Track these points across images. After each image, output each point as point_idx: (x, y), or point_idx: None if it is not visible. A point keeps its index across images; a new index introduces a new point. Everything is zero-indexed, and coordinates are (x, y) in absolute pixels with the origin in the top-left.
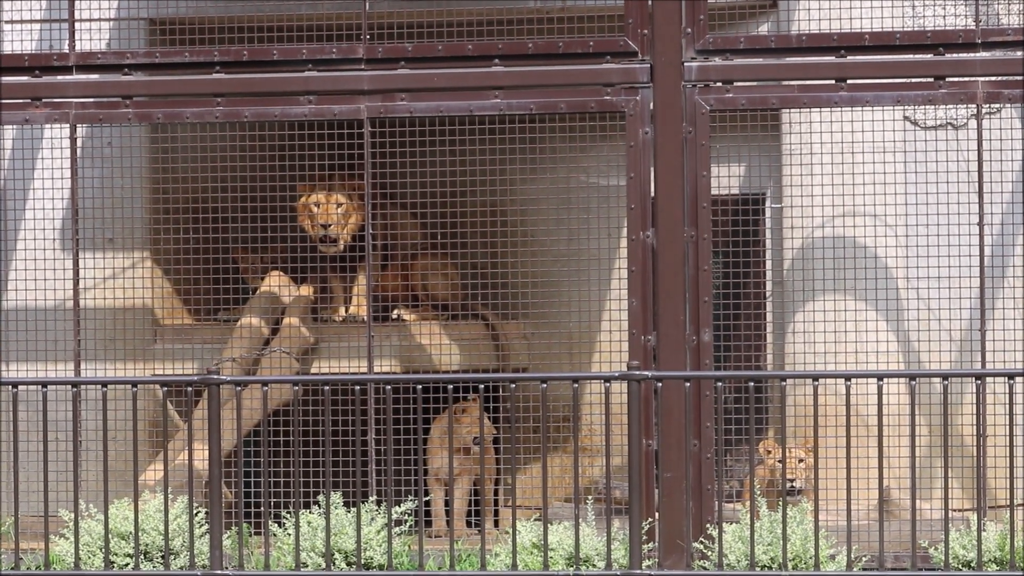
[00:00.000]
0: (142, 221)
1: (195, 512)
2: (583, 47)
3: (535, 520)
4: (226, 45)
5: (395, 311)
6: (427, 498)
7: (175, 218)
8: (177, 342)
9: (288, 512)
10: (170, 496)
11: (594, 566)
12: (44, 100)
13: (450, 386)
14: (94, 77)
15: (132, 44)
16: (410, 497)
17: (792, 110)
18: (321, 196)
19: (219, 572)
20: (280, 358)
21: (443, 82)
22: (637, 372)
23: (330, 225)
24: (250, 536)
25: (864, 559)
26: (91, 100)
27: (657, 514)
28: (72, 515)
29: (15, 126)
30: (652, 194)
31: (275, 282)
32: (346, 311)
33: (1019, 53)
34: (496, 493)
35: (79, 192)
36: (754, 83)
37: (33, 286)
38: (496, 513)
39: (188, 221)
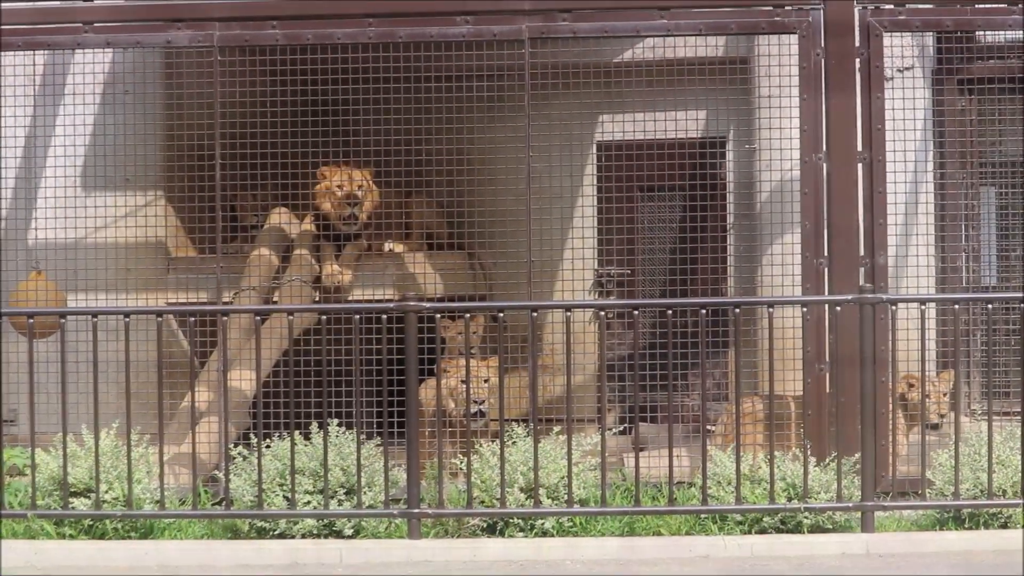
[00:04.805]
0: (155, 162)
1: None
2: None
3: None
4: None
5: (387, 245)
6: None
7: (187, 159)
8: (190, 272)
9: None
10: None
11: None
12: (187, 20)
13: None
14: None
15: None
16: None
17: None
18: (344, 175)
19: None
20: (300, 286)
21: (608, 2)
22: (871, 295)
23: (357, 203)
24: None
25: None
26: (236, 20)
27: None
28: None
29: (155, 47)
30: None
31: (281, 218)
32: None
33: None
34: None
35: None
36: (927, 5)
37: (54, 224)
38: None
39: (196, 163)
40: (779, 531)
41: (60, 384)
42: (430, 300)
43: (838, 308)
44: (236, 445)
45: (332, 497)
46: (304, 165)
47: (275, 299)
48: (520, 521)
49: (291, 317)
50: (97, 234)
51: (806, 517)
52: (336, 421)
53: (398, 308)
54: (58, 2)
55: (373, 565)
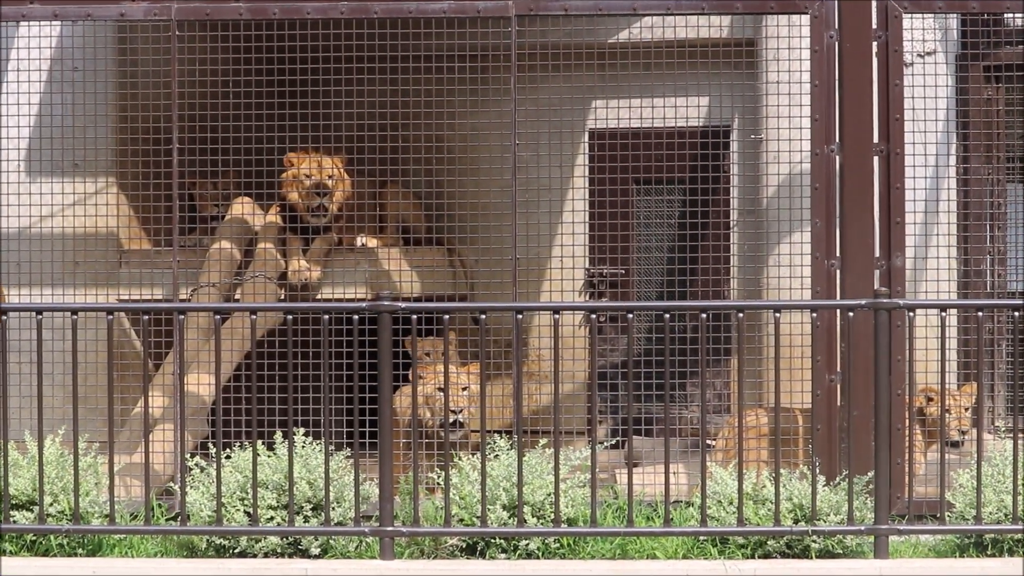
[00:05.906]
0: (107, 146)
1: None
2: None
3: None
4: None
5: (359, 239)
6: None
7: (141, 144)
8: (143, 267)
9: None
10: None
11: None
12: None
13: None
14: None
15: None
16: None
17: None
18: (313, 163)
19: None
20: (264, 283)
21: None
22: (887, 300)
23: (327, 193)
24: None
25: None
26: None
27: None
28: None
29: (107, 21)
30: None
31: (244, 209)
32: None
33: None
34: None
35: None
36: None
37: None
38: None
39: (152, 147)
40: (785, 556)
41: (1, 387)
42: (406, 300)
43: (851, 314)
44: (193, 455)
45: (298, 513)
46: (269, 151)
47: (237, 297)
48: (502, 542)
49: (254, 317)
50: (42, 224)
51: (814, 541)
52: (302, 431)
53: (371, 308)
54: None
55: None
